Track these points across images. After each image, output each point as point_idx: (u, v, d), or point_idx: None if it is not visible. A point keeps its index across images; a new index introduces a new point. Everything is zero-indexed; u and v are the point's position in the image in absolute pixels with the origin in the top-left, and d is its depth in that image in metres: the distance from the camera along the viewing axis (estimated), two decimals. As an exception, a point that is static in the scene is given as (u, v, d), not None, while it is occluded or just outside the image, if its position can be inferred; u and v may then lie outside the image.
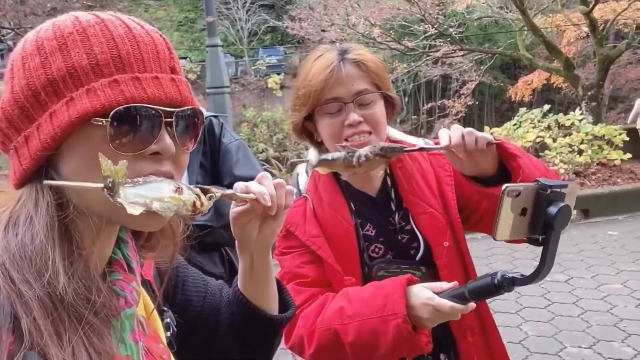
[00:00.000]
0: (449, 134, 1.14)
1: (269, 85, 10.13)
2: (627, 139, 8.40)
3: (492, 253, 5.36)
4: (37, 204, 0.60)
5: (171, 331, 0.83)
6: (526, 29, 12.21)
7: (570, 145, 8.18)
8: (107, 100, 0.59)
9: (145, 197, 0.59)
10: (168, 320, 0.84)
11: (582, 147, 8.15)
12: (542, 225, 1.08)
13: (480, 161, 1.17)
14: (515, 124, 8.86)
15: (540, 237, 1.09)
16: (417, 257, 1.32)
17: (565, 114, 9.13)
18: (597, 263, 5.25)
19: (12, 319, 0.55)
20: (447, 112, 16.52)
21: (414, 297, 1.15)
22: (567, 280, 4.81)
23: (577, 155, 8.06)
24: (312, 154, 1.40)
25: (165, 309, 0.85)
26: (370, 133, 1.24)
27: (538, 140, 8.33)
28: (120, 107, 0.59)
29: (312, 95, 1.23)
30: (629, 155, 8.20)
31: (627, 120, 10.68)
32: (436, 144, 1.30)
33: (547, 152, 8.12)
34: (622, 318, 3.99)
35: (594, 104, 10.68)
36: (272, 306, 0.95)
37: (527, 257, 5.07)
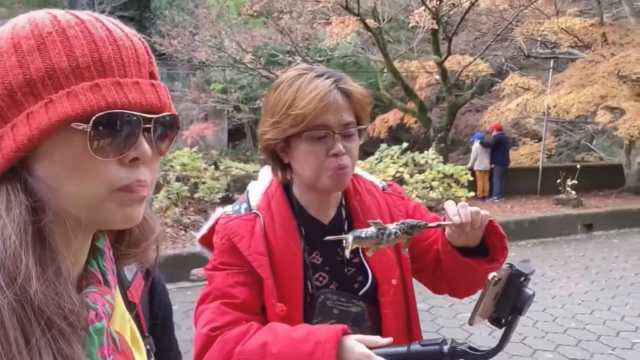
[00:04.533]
0: (458, 210, 1.20)
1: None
2: (472, 178, 9.41)
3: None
4: (9, 206, 0.57)
5: (152, 358, 0.84)
6: (385, 71, 13.16)
7: (424, 182, 8.94)
8: (88, 105, 0.58)
9: None
10: (148, 347, 0.83)
11: (434, 184, 8.94)
12: (510, 310, 1.11)
13: (472, 236, 1.24)
14: (377, 159, 9.40)
15: (504, 319, 1.13)
16: (361, 292, 1.31)
17: (420, 151, 9.95)
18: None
19: None
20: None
21: (348, 350, 1.10)
22: (429, 310, 5.13)
23: (430, 191, 8.79)
24: (265, 173, 1.37)
25: (147, 334, 0.84)
26: (347, 167, 1.24)
27: (397, 175, 8.94)
28: (102, 113, 0.59)
29: (305, 120, 1.20)
30: (472, 194, 9.21)
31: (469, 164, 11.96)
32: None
33: (404, 186, 8.70)
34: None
35: (442, 145, 11.81)
36: None
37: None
